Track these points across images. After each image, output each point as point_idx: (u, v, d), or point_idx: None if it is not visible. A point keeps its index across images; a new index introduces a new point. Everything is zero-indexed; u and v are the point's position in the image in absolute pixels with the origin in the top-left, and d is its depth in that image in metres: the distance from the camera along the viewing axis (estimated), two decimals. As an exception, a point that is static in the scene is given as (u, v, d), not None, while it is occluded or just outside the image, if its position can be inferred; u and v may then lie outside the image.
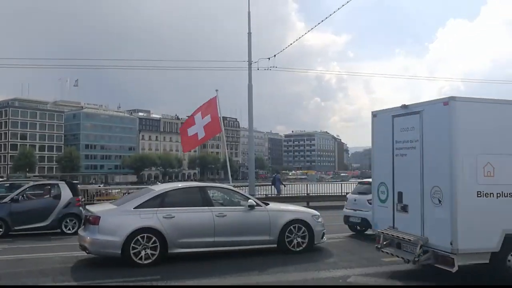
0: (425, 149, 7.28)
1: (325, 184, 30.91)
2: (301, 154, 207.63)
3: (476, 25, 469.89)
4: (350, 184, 25.07)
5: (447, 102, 6.93)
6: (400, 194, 7.85)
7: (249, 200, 9.49)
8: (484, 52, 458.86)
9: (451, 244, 6.71)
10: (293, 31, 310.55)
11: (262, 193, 25.36)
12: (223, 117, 22.73)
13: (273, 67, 22.66)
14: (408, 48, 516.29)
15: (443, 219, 6.86)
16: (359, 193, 12.44)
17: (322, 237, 9.87)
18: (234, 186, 17.51)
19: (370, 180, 13.85)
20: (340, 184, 27.28)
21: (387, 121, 8.17)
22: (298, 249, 9.38)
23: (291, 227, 9.43)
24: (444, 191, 6.88)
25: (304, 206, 16.44)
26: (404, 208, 7.72)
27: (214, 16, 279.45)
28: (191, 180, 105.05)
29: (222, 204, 9.64)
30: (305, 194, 24.07)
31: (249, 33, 22.05)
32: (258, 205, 9.48)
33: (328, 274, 7.77)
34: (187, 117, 21.32)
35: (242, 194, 10.44)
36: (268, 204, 10.02)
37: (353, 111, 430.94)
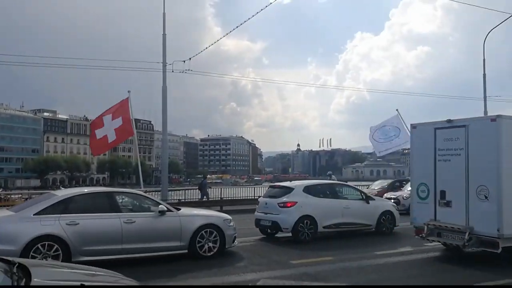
0: (470, 156, 8.92)
1: (239, 188, 31.17)
2: (217, 158, 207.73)
3: (380, 39, 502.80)
4: (263, 188, 25.49)
5: (495, 119, 8.67)
6: (443, 192, 9.44)
7: (160, 206, 9.28)
8: (387, 64, 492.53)
9: (498, 230, 8.28)
10: (210, 35, 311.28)
11: (175, 198, 24.91)
12: (136, 119, 22.11)
13: (188, 70, 22.49)
14: (320, 58, 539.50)
15: (490, 212, 8.46)
16: (270, 196, 12.69)
17: (234, 241, 9.92)
18: (146, 191, 17.08)
19: (280, 184, 14.26)
20: (253, 188, 27.66)
21: (429, 132, 9.83)
22: (209, 254, 9.34)
23: (203, 232, 9.37)
24: (491, 189, 8.51)
25: (218, 211, 16.46)
26: (448, 204, 9.34)
27: (128, 16, 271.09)
28: (100, 185, 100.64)
29: (131, 210, 9.32)
30: (219, 198, 24.08)
31: (164, 35, 21.68)
32: (169, 210, 9.31)
33: (238, 278, 7.82)
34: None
35: (152, 199, 10.18)
36: (180, 209, 9.88)
37: (267, 117, 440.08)
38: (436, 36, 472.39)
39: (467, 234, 8.70)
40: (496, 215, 8.37)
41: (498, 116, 8.62)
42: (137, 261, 8.71)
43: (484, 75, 28.45)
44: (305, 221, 11.62)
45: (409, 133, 31.97)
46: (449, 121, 9.52)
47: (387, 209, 13.24)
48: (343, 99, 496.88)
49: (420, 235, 9.79)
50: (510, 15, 25.67)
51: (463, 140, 9.06)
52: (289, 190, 12.31)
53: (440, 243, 9.97)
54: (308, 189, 12.31)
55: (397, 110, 30.54)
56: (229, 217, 10.16)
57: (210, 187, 26.89)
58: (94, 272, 4.20)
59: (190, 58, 22.61)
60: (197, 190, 25.47)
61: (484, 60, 28.43)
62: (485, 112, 28.89)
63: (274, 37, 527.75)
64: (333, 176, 29.27)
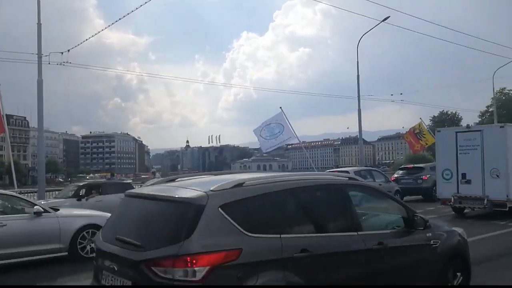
0: (485, 149, 13.70)
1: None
2: (100, 156, 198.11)
3: (265, 40, 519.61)
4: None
5: (503, 126, 13.92)
6: (463, 174, 14.13)
7: (35, 207, 8.67)
8: (271, 64, 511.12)
9: (507, 196, 13.13)
10: (91, 27, 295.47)
11: (54, 198, 23.20)
12: (8, 115, 20.21)
13: (67, 62, 21.13)
14: (207, 55, 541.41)
15: (501, 185, 13.23)
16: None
17: (118, 239, 9.57)
18: (21, 193, 15.78)
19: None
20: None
21: (451, 134, 14.70)
22: (91, 255, 8.94)
23: (84, 232, 8.96)
24: (501, 170, 13.29)
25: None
26: (468, 182, 14.00)
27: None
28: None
29: (2, 213, 8.57)
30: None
31: (39, 24, 20.06)
32: (46, 211, 8.73)
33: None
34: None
35: (27, 200, 9.47)
36: (59, 209, 9.32)
37: (154, 113, 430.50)
38: (316, 39, 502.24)
39: (485, 200, 13.46)
40: (505, 187, 13.17)
41: (505, 124, 14.06)
42: (14, 266, 8.06)
43: (358, 76, 30.86)
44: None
45: (292, 130, 33.48)
46: (467, 126, 15.61)
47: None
48: (231, 96, 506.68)
49: (448, 203, 14.54)
50: (380, 21, 28.20)
51: (479, 139, 13.88)
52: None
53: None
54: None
55: (280, 108, 31.80)
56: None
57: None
58: None
59: (68, 50, 21.23)
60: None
61: (357, 62, 30.85)
62: (359, 109, 31.39)
63: (161, 32, 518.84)
64: (157, 173, 28.25)
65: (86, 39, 23.61)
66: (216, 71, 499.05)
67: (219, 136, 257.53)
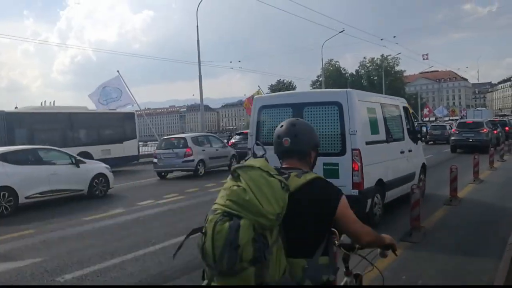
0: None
1: None
2: None
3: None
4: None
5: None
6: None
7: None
8: (113, 25, 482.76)
9: None
10: None
11: None
12: None
13: None
14: (38, 12, 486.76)
15: None
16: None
17: None
18: None
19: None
20: None
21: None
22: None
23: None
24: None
25: None
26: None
27: None
28: None
29: None
30: None
31: None
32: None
33: None
34: None
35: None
36: None
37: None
38: (160, 1, 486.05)
39: None
40: None
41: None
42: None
43: (198, 41, 30.45)
44: (1, 193, 10.16)
45: (131, 95, 31.85)
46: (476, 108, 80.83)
47: (100, 171, 12.84)
48: (67, 58, 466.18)
49: None
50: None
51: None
52: (-22, 159, 10.48)
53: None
54: (4, 157, 10.74)
55: (118, 71, 30.08)
56: None
57: None
58: None
59: None
60: None
61: (197, 27, 30.29)
62: (200, 76, 31.20)
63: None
64: None
65: None
66: (50, 30, 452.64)
67: (54, 101, 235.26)
